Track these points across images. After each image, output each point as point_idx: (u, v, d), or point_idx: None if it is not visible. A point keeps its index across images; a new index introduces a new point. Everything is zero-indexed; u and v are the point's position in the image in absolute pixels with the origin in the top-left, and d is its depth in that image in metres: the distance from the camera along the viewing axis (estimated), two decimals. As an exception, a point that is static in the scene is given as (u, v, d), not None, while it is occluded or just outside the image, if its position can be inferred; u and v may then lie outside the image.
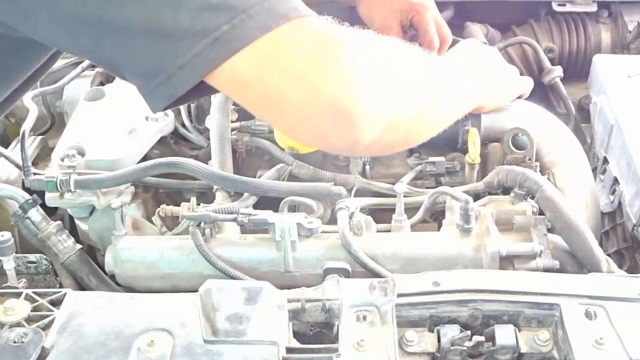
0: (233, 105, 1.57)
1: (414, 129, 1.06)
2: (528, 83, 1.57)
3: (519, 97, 1.55)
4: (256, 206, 1.40)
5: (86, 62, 1.76)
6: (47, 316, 1.08)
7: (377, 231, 1.36)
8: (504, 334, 1.04)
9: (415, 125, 1.06)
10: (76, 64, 1.78)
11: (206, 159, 1.50)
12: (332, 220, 1.39)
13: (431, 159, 1.51)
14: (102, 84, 1.78)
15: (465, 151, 1.48)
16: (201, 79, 0.84)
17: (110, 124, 1.54)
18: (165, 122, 1.56)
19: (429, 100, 1.06)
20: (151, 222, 1.47)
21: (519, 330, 1.06)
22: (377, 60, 0.91)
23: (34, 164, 1.65)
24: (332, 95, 0.86)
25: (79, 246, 1.46)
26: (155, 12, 0.81)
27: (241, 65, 0.84)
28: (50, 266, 1.47)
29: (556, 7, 2.05)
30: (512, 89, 1.53)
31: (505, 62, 1.57)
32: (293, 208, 1.42)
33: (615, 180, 1.50)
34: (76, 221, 1.55)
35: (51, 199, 1.44)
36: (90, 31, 0.83)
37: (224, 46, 0.82)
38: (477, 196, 1.41)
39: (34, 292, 1.12)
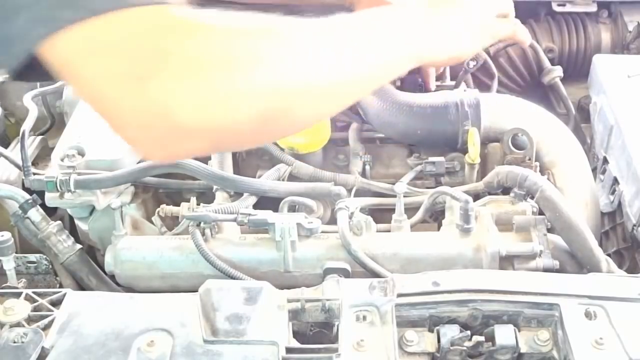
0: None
1: (273, 125, 0.90)
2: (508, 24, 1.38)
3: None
4: (256, 206, 1.40)
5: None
6: (47, 316, 1.08)
7: (377, 231, 1.36)
8: (504, 334, 1.04)
9: (275, 122, 0.90)
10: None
11: (206, 158, 1.50)
12: (332, 221, 1.39)
13: (431, 159, 1.51)
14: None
15: (465, 151, 1.48)
16: (20, 57, 0.78)
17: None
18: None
19: (291, 87, 0.88)
20: (151, 222, 1.47)
21: (519, 330, 1.06)
22: (211, 69, 0.80)
23: (34, 164, 1.64)
24: (140, 105, 0.79)
25: (78, 246, 1.46)
26: None
27: (61, 50, 0.77)
28: (50, 266, 1.47)
29: (556, 7, 2.04)
30: (475, 33, 1.30)
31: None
32: (293, 208, 1.42)
33: (615, 180, 1.50)
34: (76, 221, 1.54)
35: (51, 199, 1.44)
36: None
37: (42, 25, 0.75)
38: (477, 196, 1.41)
39: (34, 292, 1.13)
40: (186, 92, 0.79)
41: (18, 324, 1.07)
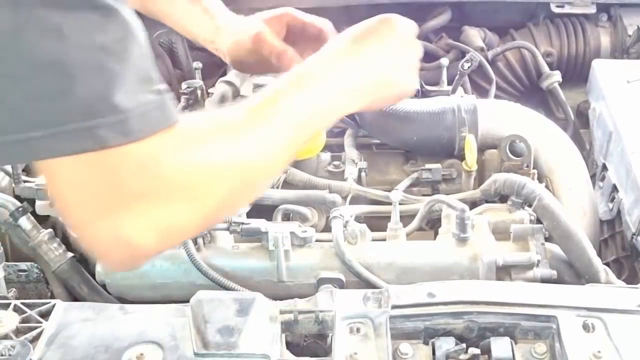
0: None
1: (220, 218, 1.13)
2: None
3: None
4: (250, 214, 1.39)
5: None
6: (36, 328, 1.07)
7: (373, 239, 1.35)
8: (500, 347, 1.02)
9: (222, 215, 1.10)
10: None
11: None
12: (327, 228, 1.37)
13: (427, 165, 1.50)
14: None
15: (462, 158, 1.47)
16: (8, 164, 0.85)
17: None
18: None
19: (242, 187, 0.96)
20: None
21: (516, 343, 1.04)
22: (161, 209, 0.86)
23: (26, 170, 1.63)
24: (101, 234, 0.85)
25: (70, 255, 1.44)
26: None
27: (43, 167, 0.82)
28: (42, 275, 1.46)
29: (554, 9, 2.03)
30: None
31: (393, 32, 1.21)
32: (287, 216, 1.40)
33: (615, 188, 1.48)
34: (67, 229, 1.53)
35: (42, 207, 1.43)
36: None
37: (26, 150, 0.79)
38: (473, 204, 1.40)
39: (22, 303, 1.11)
40: (147, 227, 0.85)
41: (6, 336, 1.05)
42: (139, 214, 0.85)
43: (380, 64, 1.15)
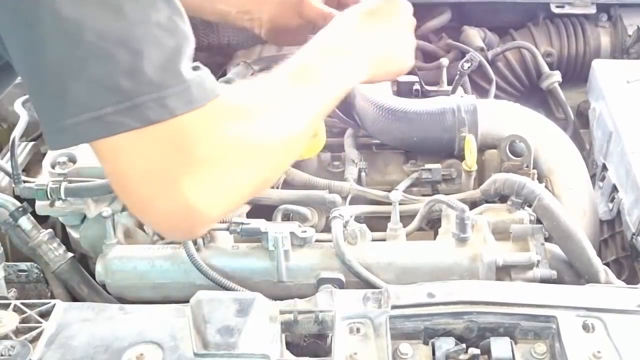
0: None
1: (268, 185, 1.18)
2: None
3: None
4: (249, 214, 1.39)
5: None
6: (36, 328, 1.06)
7: (372, 239, 1.35)
8: (500, 347, 1.02)
9: (270, 182, 1.15)
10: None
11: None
12: (327, 228, 1.37)
13: (427, 166, 1.50)
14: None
15: (462, 158, 1.47)
16: (73, 145, 0.89)
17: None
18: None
19: (286, 154, 1.07)
20: (143, 230, 1.45)
21: (515, 343, 1.04)
22: (226, 169, 0.93)
23: (27, 170, 1.63)
24: (167, 206, 0.90)
25: (70, 255, 1.44)
26: (56, 72, 0.83)
27: (106, 144, 0.87)
28: (41, 275, 1.46)
29: (554, 9, 2.03)
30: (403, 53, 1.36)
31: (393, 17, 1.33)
32: (287, 216, 1.40)
33: (614, 188, 1.48)
34: (68, 229, 1.53)
35: (41, 207, 1.43)
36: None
37: (101, 127, 0.84)
38: (473, 204, 1.40)
39: (22, 304, 1.11)
40: (212, 192, 0.91)
41: (6, 337, 1.05)
42: (204, 180, 0.90)
43: (387, 40, 1.27)
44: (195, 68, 0.89)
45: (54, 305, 1.10)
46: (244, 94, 1.00)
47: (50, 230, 1.44)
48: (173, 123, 0.86)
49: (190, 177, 0.88)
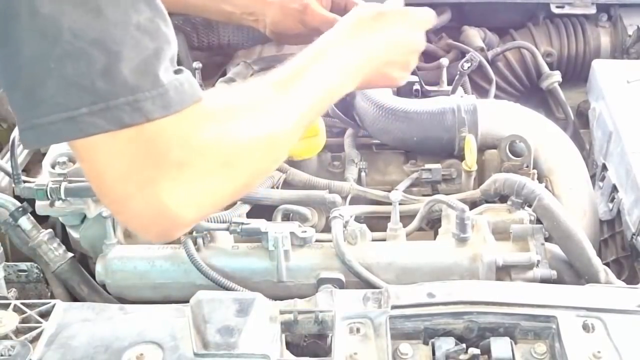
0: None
1: (249, 188, 1.17)
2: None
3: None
4: (250, 214, 1.39)
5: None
6: (36, 328, 1.07)
7: (372, 239, 1.35)
8: (500, 347, 1.02)
9: (252, 185, 1.15)
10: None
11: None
12: (327, 228, 1.37)
13: (427, 166, 1.50)
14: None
15: (462, 158, 1.47)
16: (46, 145, 0.88)
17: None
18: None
19: (264, 164, 1.05)
20: (143, 230, 1.45)
21: (515, 343, 1.04)
22: (200, 171, 0.91)
23: (27, 170, 1.63)
24: (142, 207, 0.89)
25: (70, 255, 1.44)
26: (31, 69, 0.82)
27: (82, 145, 0.86)
28: (41, 275, 1.46)
29: (554, 10, 2.03)
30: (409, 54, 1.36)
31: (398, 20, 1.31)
32: (287, 216, 1.40)
33: (614, 188, 1.48)
34: (68, 229, 1.53)
35: (41, 207, 1.42)
36: None
37: (75, 127, 0.83)
38: (473, 204, 1.40)
39: (22, 303, 1.11)
40: (188, 195, 0.90)
41: (6, 337, 1.05)
42: (179, 184, 0.89)
43: (387, 46, 1.26)
44: (177, 71, 0.88)
45: (54, 305, 1.10)
46: (223, 97, 1.00)
47: (50, 230, 1.44)
48: (149, 126, 0.85)
49: (166, 181, 0.88)
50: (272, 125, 1.01)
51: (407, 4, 1.36)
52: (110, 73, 0.82)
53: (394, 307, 1.06)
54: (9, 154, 1.45)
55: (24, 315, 1.09)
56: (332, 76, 1.14)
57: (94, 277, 1.40)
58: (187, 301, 1.09)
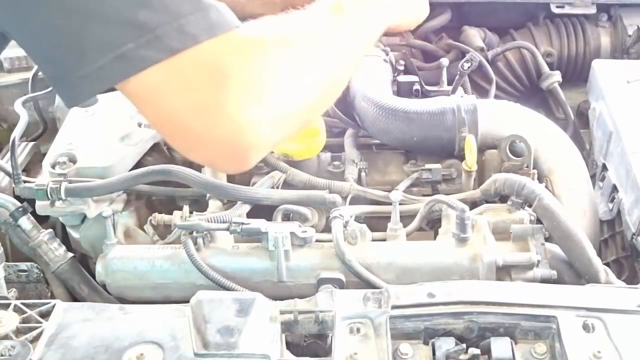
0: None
1: (319, 113, 1.10)
2: None
3: None
4: (250, 214, 1.39)
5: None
6: (36, 328, 1.07)
7: (373, 239, 1.35)
8: (500, 347, 1.02)
9: (314, 111, 1.07)
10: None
11: (199, 166, 1.48)
12: (327, 228, 1.37)
13: (427, 166, 1.50)
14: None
15: (462, 158, 1.47)
16: (100, 92, 0.86)
17: (102, 130, 1.53)
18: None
19: (323, 89, 1.03)
20: (143, 230, 1.45)
21: (516, 343, 1.04)
22: (266, 84, 0.91)
23: (27, 170, 1.63)
24: (220, 132, 0.88)
25: (70, 255, 1.44)
26: (65, 21, 0.81)
27: (140, 85, 0.85)
28: (42, 275, 1.46)
29: (554, 9, 2.03)
30: None
31: None
32: (287, 216, 1.40)
33: (614, 188, 1.48)
34: (68, 229, 1.53)
35: (42, 207, 1.43)
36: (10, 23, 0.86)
37: (126, 64, 0.82)
38: (473, 204, 1.40)
39: (22, 304, 1.11)
40: (263, 113, 0.90)
41: (6, 337, 1.05)
42: (254, 100, 0.88)
43: None
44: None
45: (54, 305, 1.10)
46: (281, 24, 0.98)
47: (50, 230, 1.44)
48: (203, 51, 0.85)
49: (238, 101, 0.87)
50: (329, 53, 1.01)
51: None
52: (149, 2, 0.82)
53: (394, 307, 1.06)
54: (9, 154, 1.45)
55: (24, 315, 1.09)
56: (370, 12, 1.14)
57: (94, 277, 1.41)
58: (188, 301, 1.09)
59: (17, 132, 1.47)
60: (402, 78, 1.73)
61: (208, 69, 0.86)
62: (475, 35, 2.01)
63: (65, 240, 1.52)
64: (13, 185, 1.46)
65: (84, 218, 1.48)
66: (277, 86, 0.92)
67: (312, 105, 1.00)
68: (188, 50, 0.84)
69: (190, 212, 1.38)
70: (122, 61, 0.82)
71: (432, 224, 1.46)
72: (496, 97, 1.85)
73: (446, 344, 1.03)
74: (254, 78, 0.89)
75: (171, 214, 1.40)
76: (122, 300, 1.36)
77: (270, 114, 0.91)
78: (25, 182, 1.43)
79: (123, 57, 0.81)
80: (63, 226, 1.56)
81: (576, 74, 2.02)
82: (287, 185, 1.47)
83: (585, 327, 1.03)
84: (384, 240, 1.37)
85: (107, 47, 0.81)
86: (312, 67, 0.98)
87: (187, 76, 0.85)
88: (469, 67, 1.67)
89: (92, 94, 0.85)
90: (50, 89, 1.70)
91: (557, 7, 2.03)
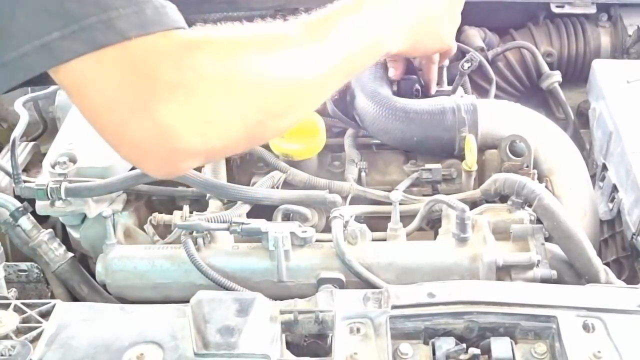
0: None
1: (263, 132, 1.01)
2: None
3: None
4: (250, 214, 1.39)
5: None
6: (36, 328, 1.07)
7: (373, 239, 1.35)
8: (500, 347, 1.02)
9: (265, 129, 0.99)
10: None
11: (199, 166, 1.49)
12: (327, 228, 1.37)
13: (428, 166, 1.50)
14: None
15: (462, 158, 1.47)
16: (22, 81, 0.83)
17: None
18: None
19: (272, 104, 0.97)
20: (144, 229, 1.45)
21: (516, 343, 1.04)
22: (195, 90, 0.86)
23: (27, 170, 1.63)
24: (139, 134, 0.85)
25: (70, 255, 1.44)
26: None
27: (66, 75, 0.83)
28: (42, 275, 1.46)
29: (555, 9, 2.03)
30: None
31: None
32: (287, 216, 1.40)
33: (615, 188, 1.48)
34: (68, 229, 1.53)
35: (42, 207, 1.43)
36: None
37: (50, 54, 0.80)
38: (473, 204, 1.40)
39: (22, 303, 1.11)
40: (186, 118, 0.85)
41: (6, 336, 1.05)
42: (178, 104, 0.84)
43: (429, 9, 1.24)
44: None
45: (54, 305, 1.11)
46: (234, 31, 0.94)
47: (50, 230, 1.44)
48: (133, 47, 0.81)
49: (160, 103, 0.83)
50: (289, 66, 0.95)
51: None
52: None
53: (394, 307, 1.07)
54: (9, 154, 1.45)
55: (24, 315, 1.09)
56: (371, 29, 1.09)
57: (94, 277, 1.41)
58: (188, 301, 1.09)
59: (17, 132, 1.47)
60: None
61: (133, 67, 0.83)
62: (475, 35, 2.00)
63: (65, 240, 1.52)
64: (13, 185, 1.46)
65: (84, 218, 1.48)
66: (208, 93, 0.87)
67: (257, 118, 0.94)
68: (115, 45, 0.80)
69: (190, 212, 1.38)
70: (46, 50, 0.79)
71: (432, 224, 1.46)
72: (496, 97, 1.84)
73: (446, 344, 1.03)
74: (182, 82, 0.85)
75: (171, 214, 1.40)
76: (122, 300, 1.36)
77: (196, 121, 0.87)
78: (25, 182, 1.43)
79: (47, 46, 0.79)
80: (63, 226, 1.56)
81: (576, 74, 2.02)
82: (287, 185, 1.47)
83: (585, 327, 1.03)
84: (384, 240, 1.37)
85: (31, 35, 0.79)
86: (263, 81, 0.93)
87: (110, 72, 0.82)
88: (469, 67, 1.67)
89: (15, 81, 0.82)
90: (50, 89, 1.71)
91: (557, 6, 2.03)
